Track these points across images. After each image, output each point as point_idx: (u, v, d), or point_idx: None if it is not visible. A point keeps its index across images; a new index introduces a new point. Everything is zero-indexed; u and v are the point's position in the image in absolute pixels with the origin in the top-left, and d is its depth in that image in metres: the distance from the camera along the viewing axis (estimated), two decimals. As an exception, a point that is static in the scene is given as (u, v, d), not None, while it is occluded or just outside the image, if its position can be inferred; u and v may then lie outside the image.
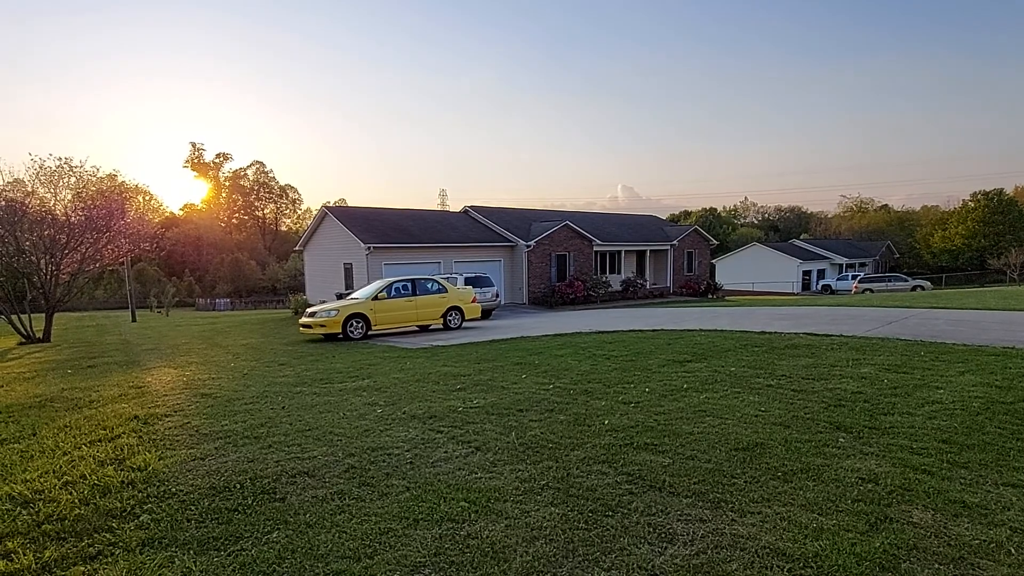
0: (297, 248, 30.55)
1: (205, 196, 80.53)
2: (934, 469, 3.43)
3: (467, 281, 19.08)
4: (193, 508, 3.32)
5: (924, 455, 3.67)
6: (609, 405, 5.29)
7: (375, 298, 13.75)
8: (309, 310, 14.17)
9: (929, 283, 39.21)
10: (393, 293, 14.24)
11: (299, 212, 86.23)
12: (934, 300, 17.17)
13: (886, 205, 74.58)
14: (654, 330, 11.31)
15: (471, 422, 4.92)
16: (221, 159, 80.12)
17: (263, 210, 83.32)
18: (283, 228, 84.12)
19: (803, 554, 2.50)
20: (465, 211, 30.09)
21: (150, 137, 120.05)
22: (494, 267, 26.14)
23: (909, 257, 56.91)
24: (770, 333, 9.70)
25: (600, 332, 11.51)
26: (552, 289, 26.35)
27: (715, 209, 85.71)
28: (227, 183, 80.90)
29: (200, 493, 3.55)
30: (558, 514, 2.99)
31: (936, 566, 2.40)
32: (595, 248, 29.00)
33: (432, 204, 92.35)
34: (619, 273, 31.37)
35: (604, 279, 28.69)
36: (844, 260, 48.15)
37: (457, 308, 15.11)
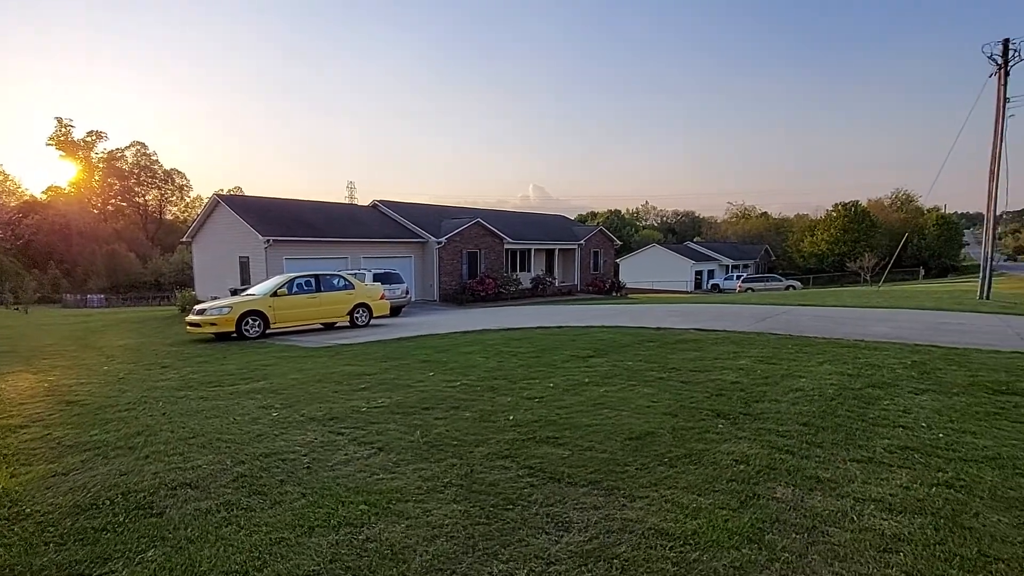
0: (185, 239, 27.98)
1: (74, 179, 70.98)
2: (795, 449, 3.87)
3: (376, 277, 18.54)
4: (52, 530, 2.95)
5: (787, 437, 4.12)
6: (514, 401, 5.40)
7: (274, 294, 12.95)
8: (198, 307, 13.03)
9: (799, 283, 44.06)
10: (295, 289, 13.50)
11: (188, 200, 78.69)
12: (802, 299, 19.33)
13: (766, 213, 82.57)
14: (560, 327, 11.69)
15: (374, 422, 4.80)
16: (94, 138, 70.90)
17: (145, 196, 75.07)
18: (168, 217, 76.40)
19: (683, 532, 2.72)
20: (374, 205, 29.20)
21: (3, 110, 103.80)
22: (404, 263, 25.62)
23: (784, 259, 63.45)
24: (664, 329, 10.40)
25: (508, 329, 11.69)
26: (463, 286, 26.34)
27: (620, 211, 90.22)
28: (101, 165, 71.94)
29: (62, 513, 3.16)
30: (460, 511, 3.01)
31: (793, 535, 2.71)
32: (506, 246, 29.37)
33: (339, 197, 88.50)
34: (529, 271, 32.03)
35: (515, 277, 29.18)
36: (730, 262, 52.70)
37: (364, 305, 14.64)
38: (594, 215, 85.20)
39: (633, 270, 51.70)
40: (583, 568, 2.44)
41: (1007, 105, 17.02)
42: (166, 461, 4.00)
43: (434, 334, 11.52)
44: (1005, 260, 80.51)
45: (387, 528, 2.84)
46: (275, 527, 2.91)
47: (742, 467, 3.57)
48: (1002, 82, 16.96)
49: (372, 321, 14.90)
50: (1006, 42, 16.82)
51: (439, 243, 25.93)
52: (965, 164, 55.38)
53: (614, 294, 33.86)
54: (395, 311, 18.45)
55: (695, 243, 61.67)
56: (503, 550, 2.60)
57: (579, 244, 34.13)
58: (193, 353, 10.13)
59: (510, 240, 29.37)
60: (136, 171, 73.14)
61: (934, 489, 3.16)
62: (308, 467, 3.78)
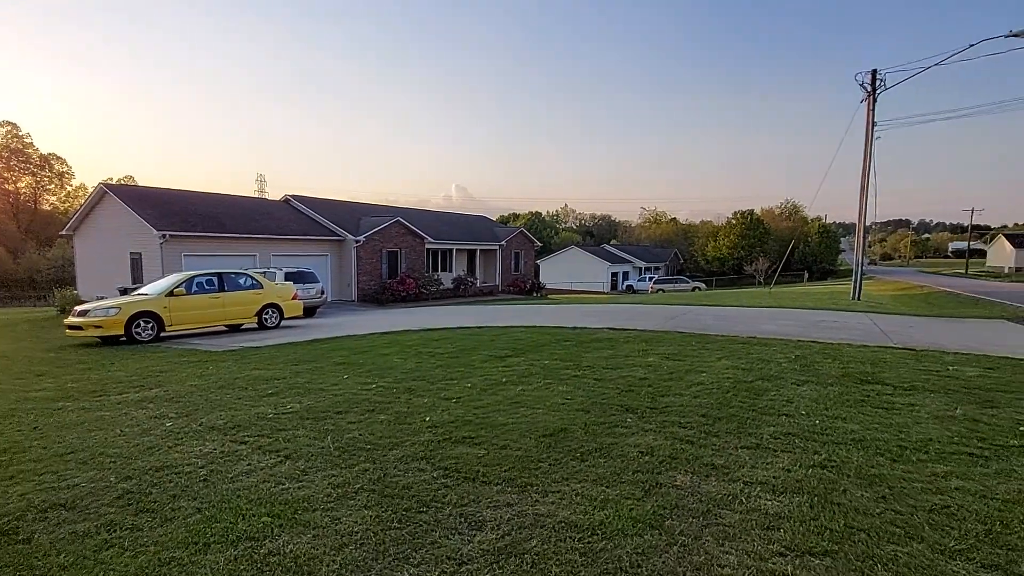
0: (65, 232, 25.02)
1: (-79, 160, 61.06)
2: (695, 439, 4.15)
3: (288, 276, 17.60)
4: None
5: (688, 428, 4.42)
6: (431, 402, 5.36)
7: (171, 294, 11.91)
8: (79, 308, 11.70)
9: (704, 284, 47.23)
10: (195, 288, 12.49)
11: (69, 189, 70.36)
12: (706, 299, 20.76)
13: (675, 218, 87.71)
14: (480, 327, 11.73)
15: (282, 429, 4.56)
16: (-53, 113, 61.37)
17: (16, 183, 66.14)
18: (46, 207, 67.82)
19: (591, 523, 2.83)
20: (286, 200, 27.73)
21: None
22: (320, 262, 24.55)
23: (691, 263, 67.81)
24: (580, 328, 10.76)
25: (428, 329, 11.56)
26: (383, 286, 25.70)
27: (540, 213, 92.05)
28: (-42, 145, 62.44)
29: None
30: (371, 516, 2.94)
31: (690, 519, 2.91)
32: (428, 246, 29.01)
33: (248, 192, 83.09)
34: (451, 271, 31.85)
35: (436, 277, 28.90)
36: (643, 264, 55.46)
37: (275, 305, 13.85)
38: (516, 216, 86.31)
39: (553, 271, 52.95)
40: (495, 566, 2.47)
41: (875, 128, 19.30)
42: (36, 480, 3.57)
43: (351, 335, 11.15)
44: (869, 263, 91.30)
45: (292, 540, 2.72)
46: (165, 546, 2.68)
47: (647, 458, 3.77)
48: (871, 108, 19.20)
49: (284, 322, 14.14)
50: (874, 72, 19.08)
51: (357, 241, 25.11)
52: (842, 179, 62.10)
53: (534, 294, 34.51)
54: (309, 312, 17.64)
55: (611, 246, 64.30)
56: (415, 553, 2.58)
57: (501, 245, 34.43)
58: (74, 359, 9.09)
59: (431, 240, 29.05)
60: (5, 155, 64.28)
61: (810, 470, 3.52)
62: (205, 480, 3.52)
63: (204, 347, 10.21)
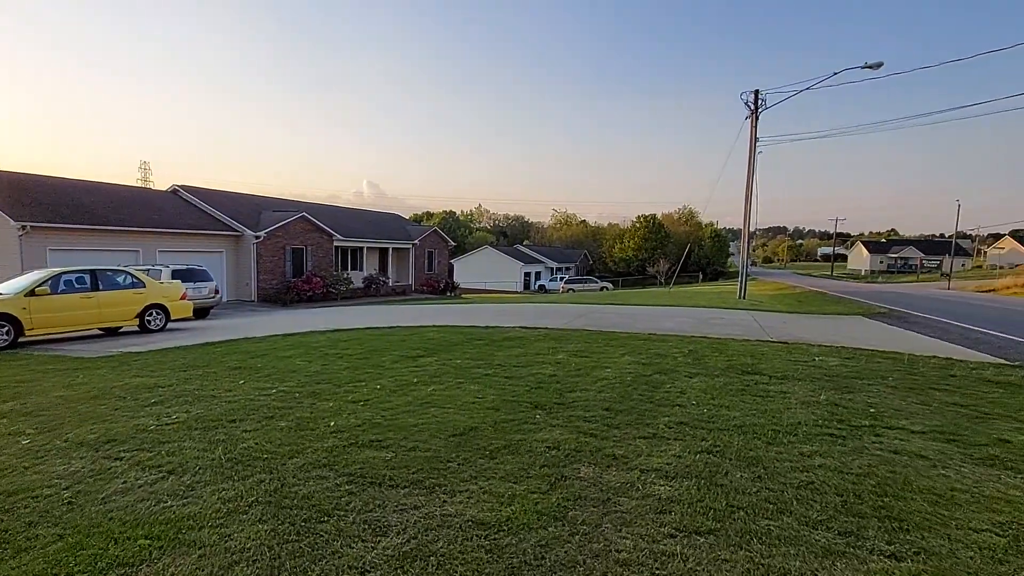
0: None
1: None
2: (597, 432, 4.34)
3: (176, 274, 16.09)
4: None
5: (592, 422, 4.61)
6: (337, 406, 5.15)
7: (31, 293, 10.45)
8: (-95, 310, 9.92)
9: (611, 284, 49.48)
10: (62, 287, 11.06)
11: None
12: (612, 298, 21.78)
13: (584, 220, 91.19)
14: (391, 327, 11.46)
15: (166, 441, 4.17)
16: None
17: None
18: None
19: (498, 520, 2.87)
20: (174, 191, 25.39)
21: None
22: (214, 259, 22.74)
23: (599, 263, 70.80)
24: (492, 327, 10.85)
25: (336, 330, 11.11)
26: (287, 285, 24.30)
27: (455, 213, 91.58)
28: None
29: None
30: (267, 530, 2.77)
31: (591, 509, 3.04)
32: (336, 243, 27.85)
33: (131, 180, 74.92)
34: (362, 270, 30.83)
35: (346, 276, 27.81)
36: (555, 264, 57.03)
37: (160, 306, 12.61)
38: (430, 215, 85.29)
39: (467, 271, 52.95)
40: (399, 571, 2.43)
41: (757, 143, 21.29)
42: None
43: (249, 337, 10.43)
44: (753, 266, 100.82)
45: (174, 562, 2.50)
46: (16, 581, 2.36)
47: (554, 452, 3.89)
48: (754, 124, 21.16)
49: (171, 325, 12.93)
50: (756, 92, 21.05)
51: (258, 237, 23.54)
52: (732, 188, 67.98)
53: (448, 294, 34.30)
54: (201, 313, 16.27)
55: (524, 246, 65.47)
56: (314, 566, 2.47)
57: (414, 244, 33.85)
58: None
59: (340, 237, 27.91)
60: None
61: (698, 456, 3.82)
62: (70, 503, 3.13)
63: (75, 353, 9.08)
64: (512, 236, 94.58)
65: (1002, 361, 7.93)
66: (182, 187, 25.29)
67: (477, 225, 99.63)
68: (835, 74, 19.31)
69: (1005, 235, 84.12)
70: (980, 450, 3.99)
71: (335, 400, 5.37)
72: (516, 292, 47.63)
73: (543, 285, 51.62)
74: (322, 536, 2.72)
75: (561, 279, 49.87)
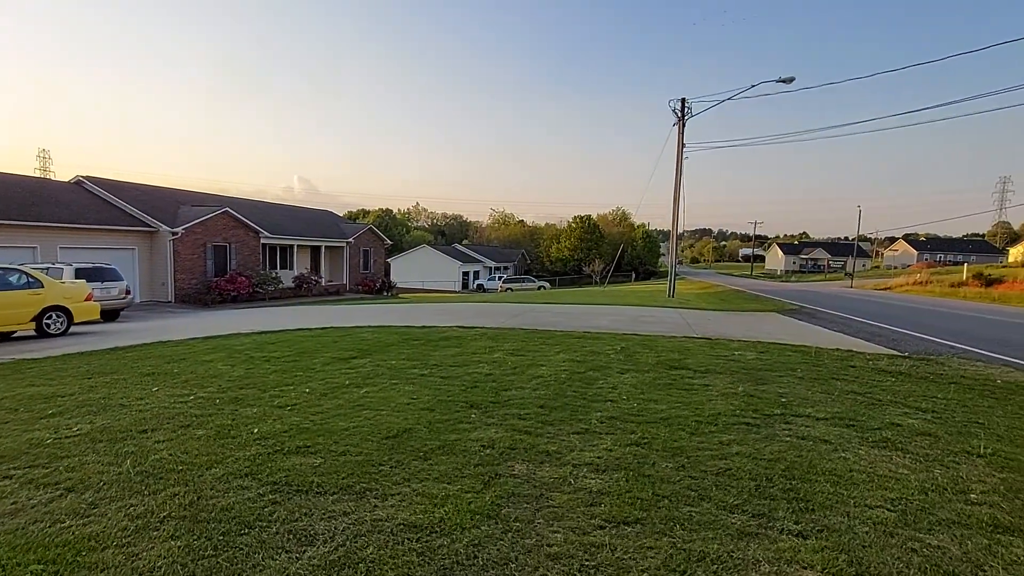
0: None
1: None
2: (532, 429, 4.40)
3: (80, 273, 14.74)
4: None
5: (527, 419, 4.67)
6: (262, 411, 4.91)
7: (-102, 296, 9.22)
8: None
9: (549, 284, 50.26)
10: (-63, 288, 9.84)
11: None
12: (549, 297, 22.13)
13: (522, 220, 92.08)
14: (323, 328, 11.07)
15: (65, 456, 3.81)
16: None
17: None
18: None
19: (431, 522, 2.84)
20: (78, 182, 23.24)
21: None
22: (125, 257, 21.06)
23: (537, 263, 71.74)
24: (429, 327, 10.74)
25: (263, 332, 10.59)
26: (208, 285, 22.89)
27: (391, 211, 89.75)
28: None
29: None
30: (180, 547, 2.60)
31: (524, 505, 3.08)
32: (263, 240, 26.55)
33: (27, 169, 67.67)
34: (292, 269, 29.56)
35: (274, 275, 26.56)
36: (493, 264, 57.21)
37: (61, 308, 11.51)
38: (365, 213, 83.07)
39: (404, 270, 52.07)
40: (327, 578, 2.35)
41: (684, 149, 22.35)
42: None
43: (165, 341, 9.72)
44: (679, 265, 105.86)
45: (73, 586, 2.29)
46: None
47: (488, 451, 3.90)
48: (681, 131, 22.20)
49: (75, 328, 11.83)
50: (683, 100, 22.09)
51: (175, 234, 22.01)
52: (662, 191, 70.98)
53: (385, 294, 33.57)
54: (111, 316, 15.04)
55: (463, 246, 65.24)
56: (234, 579, 2.34)
57: (348, 242, 32.86)
58: None
59: (268, 234, 26.62)
60: None
61: (627, 448, 3.96)
62: (-54, 529, 2.79)
63: (-48, 362, 8.08)
64: (450, 235, 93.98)
65: (894, 352, 8.78)
66: (88, 178, 23.18)
67: (415, 224, 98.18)
68: (753, 86, 20.64)
69: (899, 238, 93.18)
70: (874, 433, 4.40)
71: (260, 406, 5.12)
72: (454, 291, 47.35)
73: (481, 284, 51.65)
74: (242, 549, 2.58)
75: (499, 278, 50.09)
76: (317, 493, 3.19)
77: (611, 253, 62.79)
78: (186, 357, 7.88)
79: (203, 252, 23.43)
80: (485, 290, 48.44)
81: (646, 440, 4.14)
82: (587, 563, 2.49)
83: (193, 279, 22.89)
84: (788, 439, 4.23)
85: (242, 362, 7.37)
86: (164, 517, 2.90)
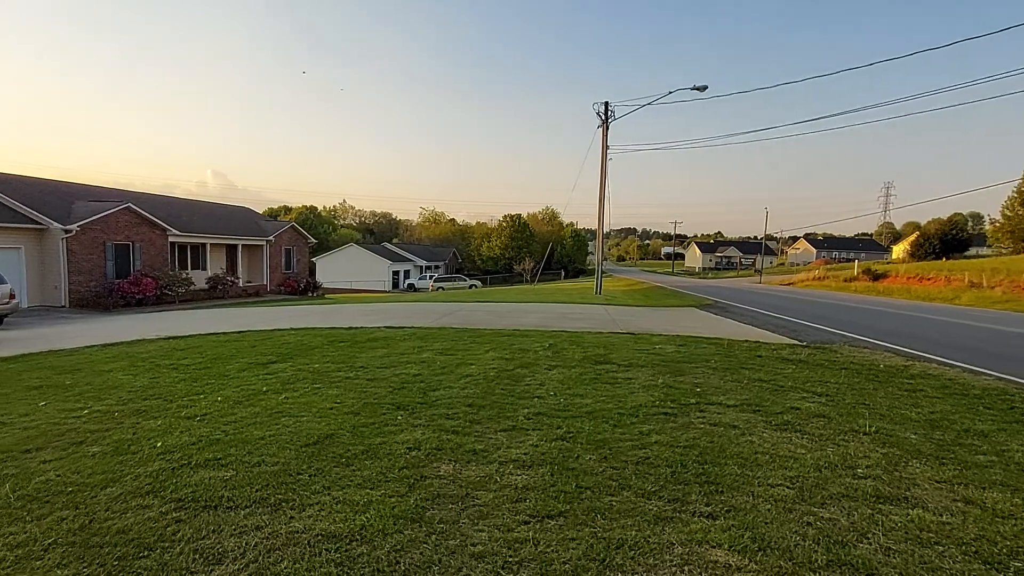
0: None
1: None
2: (459, 429, 4.38)
3: (-53, 276, 13.00)
4: None
5: (455, 419, 4.64)
6: (167, 423, 4.56)
7: None
8: None
9: (480, 283, 50.29)
10: None
11: None
12: (481, 296, 22.15)
13: (453, 219, 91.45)
14: (241, 332, 10.45)
15: (-75, 485, 3.35)
16: None
17: None
18: None
19: (351, 530, 2.76)
20: (-54, 173, 20.45)
21: None
22: (10, 257, 18.86)
23: (468, 262, 71.57)
24: (356, 328, 10.42)
25: (172, 338, 9.85)
26: (109, 288, 20.95)
27: (316, 208, 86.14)
28: None
29: None
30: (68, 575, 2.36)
31: (450, 506, 3.06)
32: (172, 239, 24.66)
33: None
34: (205, 269, 27.65)
35: (185, 276, 24.72)
36: (424, 263, 56.43)
37: (-78, 317, 10.09)
38: (288, 210, 79.16)
39: (331, 270, 50.18)
40: (237, 597, 2.22)
41: (608, 151, 23.11)
42: None
43: (57, 350, 8.79)
44: (606, 262, 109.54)
45: (-69, 631, 2.02)
46: None
47: (414, 453, 3.84)
48: (605, 133, 22.94)
49: (-62, 339, 10.41)
50: (607, 104, 22.83)
51: (68, 232, 19.94)
52: (590, 191, 73.08)
53: (310, 294, 32.20)
54: (-14, 323, 13.37)
55: (393, 244, 63.82)
56: (130, 607, 2.15)
57: (268, 240, 31.20)
58: None
59: (178, 232, 24.74)
60: None
61: (553, 443, 4.04)
62: None
63: None
64: (379, 234, 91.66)
65: (795, 342, 9.56)
66: (-44, 168, 20.46)
67: (342, 222, 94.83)
68: (670, 92, 21.69)
69: (800, 237, 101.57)
70: (777, 417, 4.76)
71: (165, 417, 4.75)
72: (384, 291, 46.23)
73: (412, 284, 50.77)
74: (141, 574, 2.38)
75: (431, 278, 49.46)
76: (228, 508, 3.01)
77: (541, 252, 63.80)
78: (81, 367, 7.17)
79: (102, 252, 21.39)
80: (416, 289, 47.67)
81: (571, 434, 4.25)
82: (511, 560, 2.52)
83: (91, 281, 20.84)
84: (702, 426, 4.49)
85: (146, 371, 6.81)
86: (49, 544, 2.62)
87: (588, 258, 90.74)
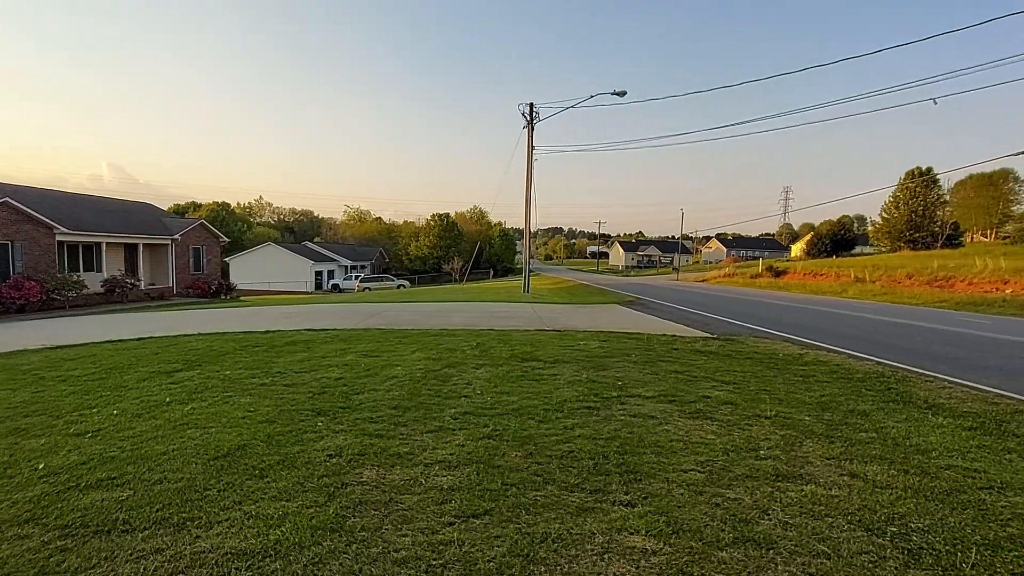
0: None
1: None
2: (384, 432, 4.28)
3: None
4: None
5: (379, 423, 4.52)
6: (52, 442, 4.10)
7: None
8: None
9: (408, 283, 49.38)
10: None
11: None
12: (408, 296, 21.75)
13: (379, 217, 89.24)
14: (142, 338, 9.61)
15: None
16: None
17: None
18: None
19: (264, 546, 2.61)
20: None
21: None
22: None
23: (396, 261, 70.04)
24: (274, 332, 9.89)
25: (59, 347, 8.88)
26: (-22, 293, 18.48)
27: (229, 204, 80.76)
28: None
29: None
30: (-81, 623, 2.06)
31: (372, 512, 2.97)
32: (60, 238, 22.21)
33: None
34: (100, 271, 25.13)
35: (76, 278, 22.32)
36: (349, 262, 54.60)
37: None
38: (196, 206, 73.60)
39: (247, 270, 47.27)
40: (132, 628, 2.04)
41: (534, 151, 23.48)
42: None
43: (-93, 366, 7.63)
44: (533, 261, 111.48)
45: None
46: None
47: (335, 460, 3.70)
48: (530, 134, 23.28)
49: None
50: (531, 105, 23.18)
51: (-76, 229, 17.37)
52: (516, 191, 73.97)
53: (223, 297, 30.16)
54: None
55: (315, 243, 61.18)
56: (0, 652, 1.92)
57: (174, 239, 28.87)
58: None
59: (66, 230, 22.30)
60: None
61: (479, 442, 4.04)
62: None
63: None
64: (300, 233, 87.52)
65: (707, 335, 10.18)
66: None
67: (258, 220, 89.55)
68: (592, 96, 22.36)
69: (712, 237, 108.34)
70: (690, 406, 5.05)
71: (50, 435, 4.27)
72: (307, 292, 44.19)
73: (337, 284, 48.94)
74: (15, 613, 2.13)
75: (356, 278, 47.89)
76: (123, 531, 2.75)
77: (470, 251, 63.67)
78: (-59, 384, 6.28)
79: (-30, 252, 18.85)
80: (341, 290, 45.99)
81: (498, 432, 4.27)
82: (434, 563, 2.49)
83: (-45, 285, 18.30)
84: (623, 418, 4.67)
85: (28, 384, 6.10)
86: None
87: (516, 257, 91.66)
